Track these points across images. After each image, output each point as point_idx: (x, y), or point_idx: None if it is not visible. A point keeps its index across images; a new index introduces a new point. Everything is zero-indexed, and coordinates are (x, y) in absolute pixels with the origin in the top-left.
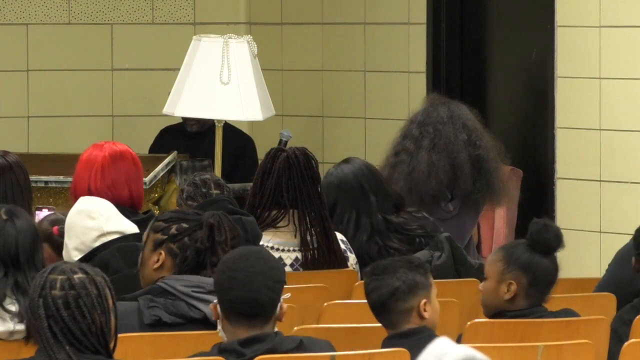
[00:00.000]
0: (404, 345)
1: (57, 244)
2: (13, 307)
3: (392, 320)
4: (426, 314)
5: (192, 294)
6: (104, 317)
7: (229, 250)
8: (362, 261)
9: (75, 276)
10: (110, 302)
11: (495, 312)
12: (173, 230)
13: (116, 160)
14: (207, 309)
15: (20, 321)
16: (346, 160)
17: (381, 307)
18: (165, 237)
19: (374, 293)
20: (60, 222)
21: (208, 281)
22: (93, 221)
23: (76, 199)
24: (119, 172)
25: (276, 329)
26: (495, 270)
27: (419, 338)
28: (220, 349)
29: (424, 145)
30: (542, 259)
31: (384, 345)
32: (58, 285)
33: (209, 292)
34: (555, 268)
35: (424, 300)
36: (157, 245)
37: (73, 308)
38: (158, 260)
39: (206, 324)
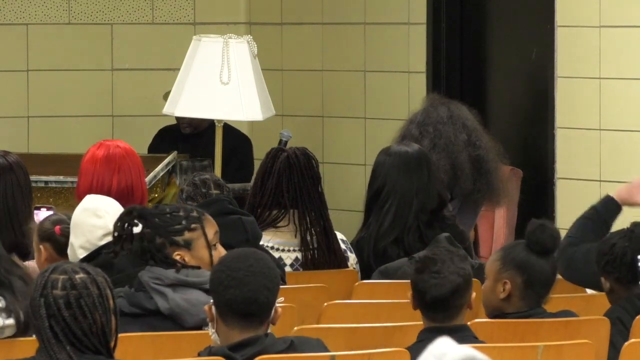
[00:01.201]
0: None
1: (59, 244)
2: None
3: (448, 315)
4: (473, 306)
5: (151, 284)
6: (105, 317)
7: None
8: (376, 255)
9: (77, 276)
10: (111, 302)
11: (495, 314)
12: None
13: (132, 159)
14: (162, 302)
15: (9, 316)
16: (407, 144)
17: (441, 304)
18: None
19: (435, 290)
20: (63, 222)
21: (170, 275)
22: (99, 219)
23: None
24: (136, 170)
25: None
26: (493, 269)
27: (459, 336)
28: (210, 353)
29: (424, 145)
30: (538, 260)
31: (421, 337)
32: (59, 285)
33: (167, 285)
34: (552, 270)
35: (474, 293)
36: None
37: (74, 308)
38: None
39: (159, 315)
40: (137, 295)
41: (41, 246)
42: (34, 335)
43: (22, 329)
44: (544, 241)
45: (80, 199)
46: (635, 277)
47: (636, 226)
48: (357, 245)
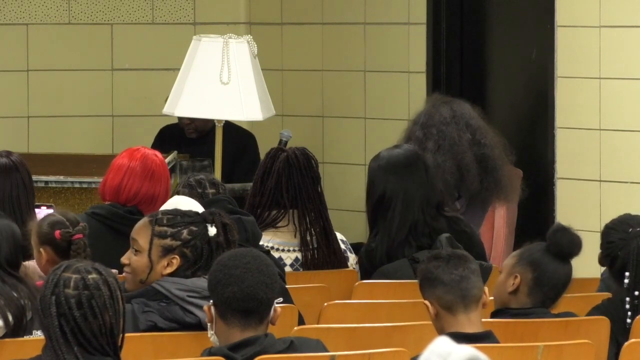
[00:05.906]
0: None
1: (60, 248)
2: None
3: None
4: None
5: (187, 298)
6: (115, 319)
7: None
8: (390, 259)
9: (90, 276)
10: (121, 303)
11: (498, 309)
12: (185, 235)
13: (164, 172)
14: (201, 314)
15: None
16: (397, 146)
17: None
18: (179, 242)
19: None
20: (62, 225)
21: (202, 286)
22: None
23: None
24: (165, 182)
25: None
26: (508, 263)
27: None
28: (210, 354)
29: (428, 148)
30: (553, 262)
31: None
32: (72, 284)
33: (204, 297)
34: (566, 276)
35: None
36: (169, 250)
37: (85, 308)
38: (169, 265)
39: (200, 329)
40: (171, 309)
41: (41, 249)
42: (25, 337)
43: (10, 330)
44: (562, 244)
45: (105, 194)
46: None
47: None
48: (367, 254)
